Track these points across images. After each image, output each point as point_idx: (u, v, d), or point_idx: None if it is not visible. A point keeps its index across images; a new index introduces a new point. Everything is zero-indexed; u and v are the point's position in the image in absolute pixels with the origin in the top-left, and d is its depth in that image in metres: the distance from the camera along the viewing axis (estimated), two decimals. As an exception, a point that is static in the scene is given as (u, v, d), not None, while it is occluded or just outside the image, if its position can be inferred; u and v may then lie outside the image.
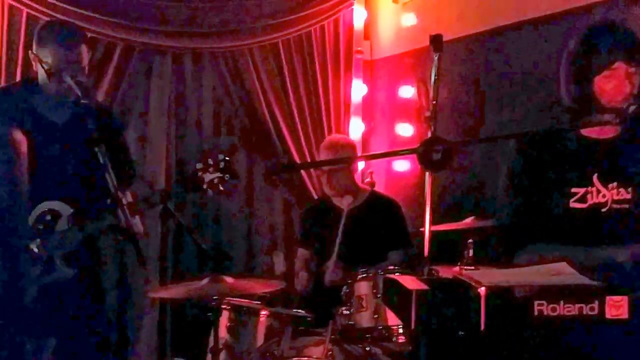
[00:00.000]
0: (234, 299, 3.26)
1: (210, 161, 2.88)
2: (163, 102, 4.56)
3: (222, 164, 2.87)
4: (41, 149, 2.79)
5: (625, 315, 1.76)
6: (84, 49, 2.82)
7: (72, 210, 2.80)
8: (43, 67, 2.76)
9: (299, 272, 3.97)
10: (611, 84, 2.20)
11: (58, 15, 4.08)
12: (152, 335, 4.51)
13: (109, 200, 2.63)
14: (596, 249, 2.12)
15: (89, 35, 4.18)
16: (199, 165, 2.88)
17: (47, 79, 2.79)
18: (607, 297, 1.77)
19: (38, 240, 2.72)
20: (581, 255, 2.05)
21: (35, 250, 2.69)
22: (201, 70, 4.69)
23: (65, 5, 4.14)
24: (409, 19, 4.77)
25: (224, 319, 3.22)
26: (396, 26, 4.91)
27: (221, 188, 2.89)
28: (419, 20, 4.71)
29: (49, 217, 2.79)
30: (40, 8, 4.11)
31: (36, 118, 2.84)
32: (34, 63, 2.85)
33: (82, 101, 2.65)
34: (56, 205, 2.80)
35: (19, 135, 2.73)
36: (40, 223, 2.77)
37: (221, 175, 2.87)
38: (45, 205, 2.79)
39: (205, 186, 2.88)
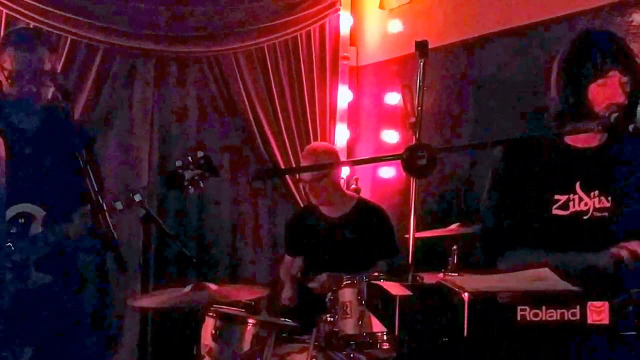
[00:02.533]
0: (220, 306, 3.25)
1: (190, 158, 2.88)
2: (146, 106, 4.54)
3: (201, 161, 2.87)
4: (13, 153, 2.74)
5: (606, 321, 1.77)
6: (45, 52, 2.79)
7: (44, 213, 2.76)
8: (3, 73, 2.74)
9: (284, 285, 3.95)
10: (605, 93, 2.20)
11: (37, 17, 4.07)
12: (133, 343, 4.47)
13: (89, 206, 2.60)
14: (577, 254, 2.13)
15: (71, 38, 4.20)
16: (178, 163, 2.88)
17: (9, 85, 2.76)
18: (589, 303, 1.77)
19: (10, 244, 2.67)
20: (563, 261, 2.06)
21: (8, 254, 2.64)
22: (185, 75, 4.68)
23: (45, 7, 4.13)
24: (395, 26, 4.78)
25: (209, 327, 3.20)
26: (382, 32, 4.92)
27: (202, 185, 2.88)
28: (405, 27, 4.73)
29: (22, 220, 2.75)
30: (19, 9, 4.09)
31: (7, 124, 2.81)
32: None
33: (60, 104, 2.63)
34: (29, 208, 2.76)
35: None
36: (13, 226, 2.73)
37: (201, 171, 2.87)
38: (17, 208, 2.75)
39: (186, 183, 2.86)
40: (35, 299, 2.73)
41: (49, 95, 2.74)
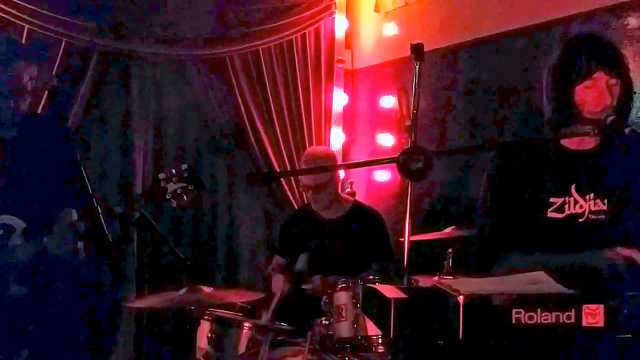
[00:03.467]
0: (216, 310, 3.24)
1: (174, 171, 2.82)
2: (142, 110, 4.53)
3: (185, 174, 2.81)
4: None
5: (600, 324, 1.77)
6: (22, 66, 2.73)
7: (24, 225, 2.69)
8: None
9: (274, 276, 3.93)
10: (592, 95, 2.21)
11: (28, 18, 4.05)
12: (129, 347, 4.45)
13: (77, 211, 2.57)
14: (572, 256, 2.14)
15: (65, 41, 4.19)
16: (161, 176, 2.83)
17: None
18: (584, 306, 1.77)
19: None
20: (557, 264, 2.06)
21: None
22: (181, 78, 4.67)
23: (40, 10, 4.12)
24: (391, 29, 4.79)
25: (204, 330, 3.19)
26: (377, 36, 4.93)
27: (185, 198, 2.83)
28: (401, 30, 4.73)
29: (1, 232, 2.68)
30: (13, 12, 4.08)
31: None
32: None
33: (44, 114, 2.60)
34: (8, 219, 2.70)
35: None
36: None
37: (185, 185, 2.81)
38: None
39: (168, 196, 2.81)
40: (14, 311, 2.68)
41: (26, 107, 2.69)
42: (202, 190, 2.90)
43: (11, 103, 2.69)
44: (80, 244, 2.62)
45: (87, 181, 2.45)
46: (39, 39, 4.16)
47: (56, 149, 2.56)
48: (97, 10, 4.29)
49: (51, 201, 2.69)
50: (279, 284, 3.76)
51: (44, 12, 4.13)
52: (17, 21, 4.10)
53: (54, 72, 4.12)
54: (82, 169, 2.49)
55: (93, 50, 4.33)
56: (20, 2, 4.08)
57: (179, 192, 2.81)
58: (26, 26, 4.11)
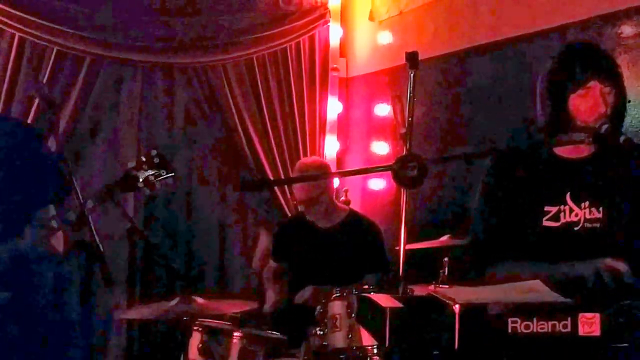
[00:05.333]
0: (206, 319, 3.21)
1: (144, 158, 2.76)
2: (133, 117, 4.52)
3: (156, 160, 2.76)
4: None
5: (597, 333, 1.76)
6: None
7: None
8: None
9: (267, 292, 3.92)
10: (586, 103, 2.21)
11: (21, 27, 4.05)
12: (119, 357, 4.41)
13: (72, 215, 2.54)
14: (565, 265, 2.13)
15: (56, 49, 4.18)
16: (131, 164, 2.76)
17: None
18: (580, 314, 1.76)
19: None
20: (552, 272, 2.05)
21: None
22: (173, 86, 4.66)
23: (32, 18, 4.10)
24: (385, 37, 4.79)
25: (195, 340, 3.16)
26: (372, 44, 4.93)
27: (157, 186, 2.78)
28: (395, 39, 4.73)
29: None
30: (5, 20, 4.07)
31: None
32: None
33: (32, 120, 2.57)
34: None
35: None
36: None
37: (156, 171, 2.76)
38: None
39: (140, 185, 2.75)
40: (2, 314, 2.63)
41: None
42: (174, 174, 2.84)
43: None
44: (55, 241, 2.57)
45: (77, 191, 2.41)
46: (30, 46, 4.15)
47: (25, 149, 2.52)
48: (89, 17, 4.28)
49: (21, 205, 2.64)
50: (271, 302, 3.76)
51: (35, 20, 4.11)
52: (7, 29, 4.08)
53: (44, 80, 4.11)
54: (72, 177, 2.46)
55: (84, 58, 4.32)
56: (11, 10, 4.06)
57: (151, 179, 2.75)
58: (17, 34, 4.10)
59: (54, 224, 2.59)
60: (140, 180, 2.74)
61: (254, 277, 4.70)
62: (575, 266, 2.11)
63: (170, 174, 2.78)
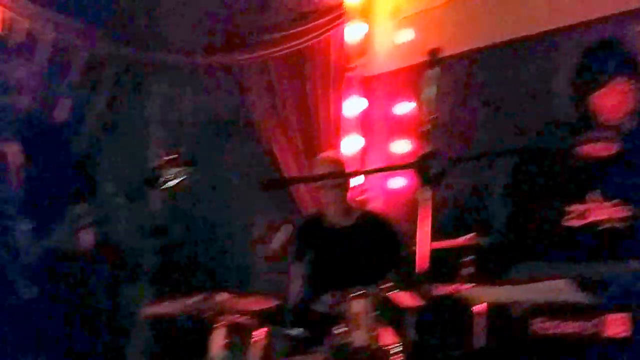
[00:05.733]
0: (231, 316, 3.22)
1: (168, 157, 2.84)
2: (158, 116, 4.56)
3: (180, 158, 2.84)
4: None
5: (626, 333, 1.74)
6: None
7: (31, 225, 2.70)
8: None
9: (293, 292, 3.92)
10: (610, 101, 2.19)
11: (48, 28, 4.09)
12: (143, 352, 4.45)
13: (98, 214, 2.57)
14: (594, 264, 2.11)
15: (82, 50, 4.22)
16: (156, 162, 2.85)
17: None
18: (607, 315, 1.74)
19: None
20: (578, 272, 2.03)
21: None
22: (194, 86, 4.69)
23: (58, 20, 4.16)
24: (406, 35, 4.76)
25: (220, 337, 3.18)
26: (393, 42, 4.90)
27: (182, 184, 2.84)
28: (416, 36, 4.71)
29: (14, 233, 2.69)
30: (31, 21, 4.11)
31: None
32: None
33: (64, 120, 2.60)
34: (18, 219, 2.71)
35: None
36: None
37: (180, 169, 2.83)
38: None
39: (165, 183, 2.83)
40: (26, 313, 2.66)
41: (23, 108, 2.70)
42: (198, 172, 2.92)
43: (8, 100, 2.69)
44: (85, 238, 2.61)
45: (105, 189, 2.44)
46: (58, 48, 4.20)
47: (58, 148, 2.56)
48: (113, 19, 4.32)
49: (60, 200, 2.69)
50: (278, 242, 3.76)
51: (62, 22, 4.16)
52: (34, 31, 4.12)
53: (71, 81, 4.16)
54: (98, 175, 2.50)
55: (110, 59, 4.36)
56: (39, 12, 4.11)
57: (175, 177, 2.83)
58: (44, 36, 4.15)
59: (84, 222, 2.63)
60: (165, 178, 2.79)
61: (276, 272, 4.72)
62: (607, 267, 2.08)
63: (194, 173, 2.83)
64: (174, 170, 2.81)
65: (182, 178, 2.84)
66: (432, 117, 2.36)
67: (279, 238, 3.71)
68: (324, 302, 3.59)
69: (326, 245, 3.83)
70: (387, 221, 3.92)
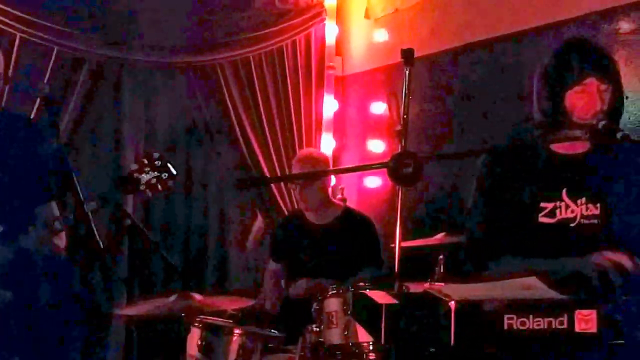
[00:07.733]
0: (207, 317, 3.22)
1: (146, 161, 2.75)
2: (132, 116, 4.52)
3: (158, 163, 2.74)
4: None
5: (593, 329, 1.76)
6: None
7: (1, 228, 2.58)
8: None
9: (267, 290, 3.93)
10: (582, 100, 2.21)
11: (22, 27, 4.05)
12: (118, 354, 4.42)
13: (71, 215, 2.54)
14: (562, 261, 2.13)
15: (57, 49, 4.18)
16: (133, 167, 2.75)
17: None
18: (576, 311, 1.76)
19: None
20: (548, 268, 2.05)
21: None
22: (171, 85, 4.66)
23: (32, 19, 4.10)
24: (381, 35, 4.79)
25: (194, 337, 3.17)
26: (368, 42, 4.93)
27: (159, 188, 2.75)
28: (391, 36, 4.74)
29: None
30: (5, 20, 4.06)
31: None
32: None
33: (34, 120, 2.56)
34: None
35: None
36: None
37: (158, 174, 2.74)
38: None
39: (142, 187, 2.73)
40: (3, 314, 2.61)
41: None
42: (175, 176, 2.83)
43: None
44: (57, 240, 2.56)
45: (78, 190, 2.40)
46: (31, 47, 4.15)
47: (26, 146, 2.52)
48: (89, 18, 4.28)
49: (32, 201, 2.64)
50: (271, 302, 3.78)
51: (36, 20, 4.11)
52: (8, 29, 4.08)
53: (45, 80, 4.11)
54: (73, 175, 2.45)
55: (84, 58, 4.32)
56: (12, 11, 4.06)
57: (153, 182, 2.73)
58: (18, 34, 4.10)
59: (57, 224, 2.58)
60: (142, 183, 2.74)
61: (252, 271, 4.72)
62: (575, 263, 2.11)
63: (172, 176, 2.77)
64: (152, 174, 2.74)
65: (161, 184, 2.78)
66: (403, 117, 2.38)
67: (254, 230, 3.73)
68: (299, 286, 3.61)
69: (305, 244, 3.84)
70: (366, 220, 3.94)
